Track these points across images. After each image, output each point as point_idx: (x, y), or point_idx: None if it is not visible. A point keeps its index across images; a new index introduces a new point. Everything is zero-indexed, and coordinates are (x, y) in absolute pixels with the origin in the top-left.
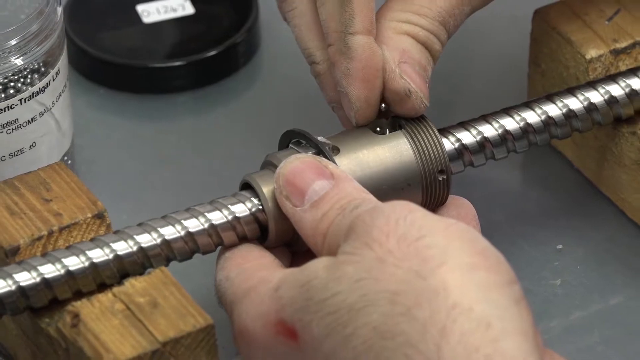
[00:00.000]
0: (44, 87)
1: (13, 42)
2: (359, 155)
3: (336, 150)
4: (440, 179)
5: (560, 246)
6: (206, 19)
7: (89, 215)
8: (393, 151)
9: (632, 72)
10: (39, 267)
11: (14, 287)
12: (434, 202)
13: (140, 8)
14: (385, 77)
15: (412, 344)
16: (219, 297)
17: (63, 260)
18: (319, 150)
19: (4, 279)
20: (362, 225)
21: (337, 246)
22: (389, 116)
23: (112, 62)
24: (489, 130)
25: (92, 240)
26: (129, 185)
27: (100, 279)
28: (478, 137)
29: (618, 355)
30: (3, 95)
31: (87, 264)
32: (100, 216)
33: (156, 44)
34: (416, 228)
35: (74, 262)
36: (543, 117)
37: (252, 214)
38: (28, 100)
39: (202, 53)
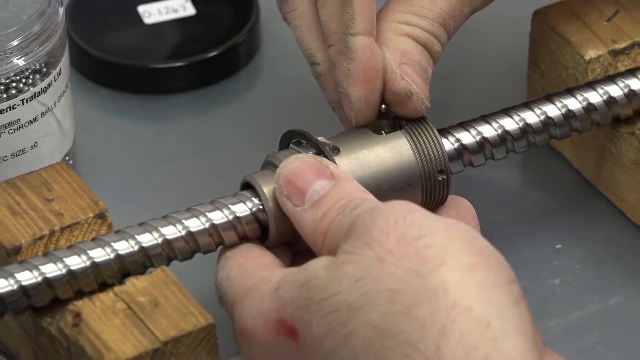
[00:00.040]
0: (45, 87)
1: (15, 42)
2: (359, 156)
3: (336, 150)
4: (440, 179)
5: (559, 246)
6: (207, 20)
7: (91, 215)
8: (393, 151)
9: (630, 72)
10: (40, 267)
11: (15, 287)
12: (433, 202)
13: (141, 9)
14: (386, 79)
15: (412, 343)
16: (219, 296)
17: (64, 259)
18: (319, 151)
19: (6, 278)
20: (362, 224)
21: (337, 246)
22: (389, 116)
23: (114, 62)
24: (488, 130)
25: (93, 239)
26: (130, 185)
27: (102, 278)
28: (477, 138)
29: (617, 355)
30: (5, 96)
31: (88, 263)
32: (101, 216)
33: (157, 44)
34: (416, 228)
35: (75, 262)
36: (542, 117)
37: (253, 214)
38: (30, 100)
39: (203, 54)
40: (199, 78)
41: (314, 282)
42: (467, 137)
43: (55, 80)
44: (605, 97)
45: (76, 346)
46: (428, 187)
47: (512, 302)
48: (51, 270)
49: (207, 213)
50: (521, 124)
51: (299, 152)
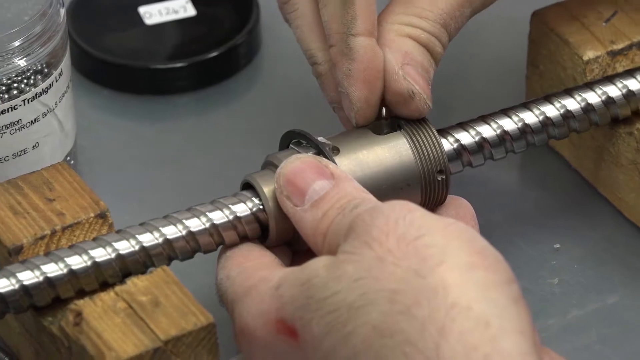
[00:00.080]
0: (47, 88)
1: (16, 43)
2: (359, 156)
3: (336, 150)
4: (439, 179)
5: (558, 245)
6: (207, 21)
7: (92, 214)
8: (392, 151)
9: (629, 73)
10: (42, 266)
11: (17, 286)
12: (433, 201)
13: (142, 10)
14: (388, 79)
15: (411, 342)
16: (220, 295)
17: (66, 259)
18: (319, 151)
19: (8, 277)
20: (362, 224)
21: (337, 245)
22: (389, 117)
23: (115, 63)
24: (487, 130)
25: (94, 239)
26: (131, 185)
27: (103, 277)
28: (477, 138)
29: (615, 354)
30: (7, 96)
31: (89, 263)
32: (102, 216)
33: (158, 45)
34: (415, 227)
35: (76, 261)
36: (541, 117)
37: (253, 214)
38: (31, 101)
39: (204, 54)
40: (199, 79)
41: (314, 281)
42: (466, 138)
43: (56, 81)
44: (603, 97)
45: (77, 345)
46: (427, 187)
47: (511, 301)
48: (52, 269)
49: (207, 213)
50: (520, 124)
51: (299, 152)
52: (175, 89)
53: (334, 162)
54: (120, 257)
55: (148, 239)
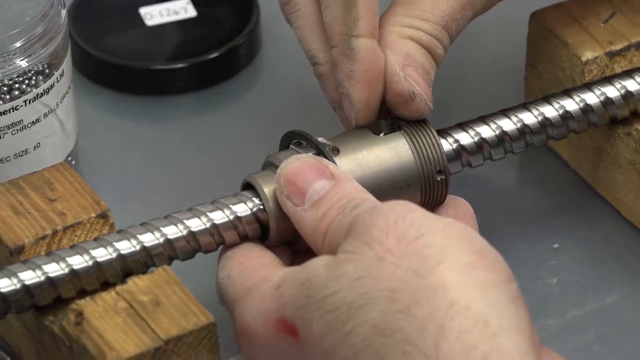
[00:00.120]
0: (48, 88)
1: (18, 44)
2: (359, 156)
3: (336, 151)
4: (439, 179)
5: (557, 245)
6: (208, 22)
7: (93, 215)
8: (392, 152)
9: (627, 74)
10: (43, 266)
11: (18, 286)
12: (432, 201)
13: (143, 11)
14: (389, 80)
15: (411, 341)
16: (220, 295)
17: (67, 259)
18: (319, 151)
19: (9, 277)
20: (362, 224)
21: (337, 245)
22: (388, 117)
23: (116, 64)
24: (486, 131)
25: (95, 239)
26: (132, 185)
27: (104, 277)
28: (476, 138)
29: (613, 354)
30: (8, 97)
31: (90, 263)
32: (103, 216)
33: (159, 46)
34: (415, 227)
35: (78, 261)
36: (540, 118)
37: (253, 214)
38: (33, 101)
39: (204, 55)
40: (200, 79)
41: (314, 280)
42: (465, 138)
43: (57, 82)
44: (602, 98)
45: (78, 345)
46: (427, 187)
47: (510, 300)
48: (54, 269)
49: (208, 213)
50: (519, 124)
51: (299, 153)
52: (176, 90)
53: (334, 162)
54: (121, 257)
55: (149, 238)
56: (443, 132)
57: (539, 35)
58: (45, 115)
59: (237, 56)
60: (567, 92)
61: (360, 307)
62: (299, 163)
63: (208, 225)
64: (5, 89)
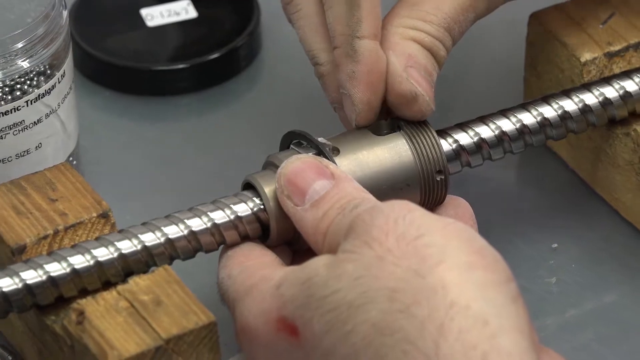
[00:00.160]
0: (49, 89)
1: (19, 45)
2: (359, 156)
3: (336, 151)
4: (438, 179)
5: (556, 245)
6: (209, 23)
7: (94, 214)
8: (392, 152)
9: (625, 74)
10: (45, 266)
11: (20, 285)
12: (432, 201)
13: (144, 12)
14: (392, 81)
15: (411, 340)
16: (221, 294)
17: (69, 258)
18: (320, 151)
19: (11, 277)
20: (362, 224)
21: (337, 244)
22: (389, 118)
23: (117, 64)
24: (485, 131)
25: (97, 239)
26: (133, 185)
27: (105, 277)
28: (475, 138)
29: (612, 353)
30: (10, 97)
31: (92, 262)
32: (105, 216)
33: (160, 47)
34: (415, 227)
35: (79, 261)
36: (539, 118)
37: (254, 213)
38: (34, 102)
39: (205, 56)
40: (200, 80)
41: (314, 280)
42: (465, 138)
43: (59, 82)
44: (600, 98)
45: (80, 344)
46: (426, 187)
47: (509, 300)
48: (55, 269)
49: (209, 213)
50: (518, 125)
51: (300, 153)
52: (177, 90)
53: (334, 162)
54: (122, 257)
55: (150, 238)
56: (443, 133)
57: (538, 36)
58: (47, 115)
59: (238, 57)
60: (566, 93)
61: (360, 306)
62: (299, 163)
63: (209, 224)
64: (7, 89)
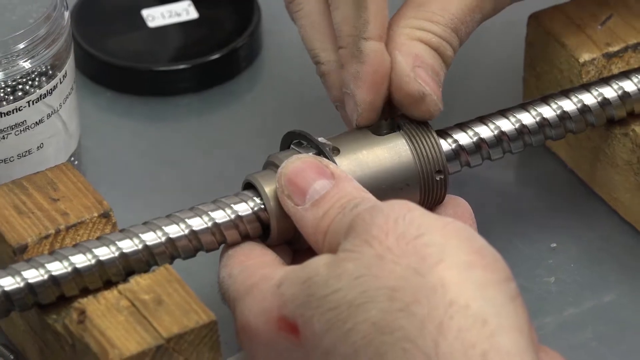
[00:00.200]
0: (51, 89)
1: (21, 45)
2: (359, 156)
3: (336, 150)
4: (438, 178)
5: (555, 244)
6: (209, 23)
7: (95, 214)
8: (392, 152)
9: (624, 75)
10: (46, 265)
11: (22, 284)
12: (431, 201)
13: (145, 13)
14: (399, 81)
15: (411, 339)
16: (222, 294)
17: (70, 258)
18: (320, 151)
19: (13, 276)
20: (362, 223)
21: (338, 244)
22: (389, 118)
23: (118, 65)
24: (485, 131)
25: (98, 238)
26: (134, 185)
27: (106, 276)
28: (474, 138)
29: (611, 352)
30: (11, 98)
31: (93, 261)
32: (106, 215)
33: (161, 47)
34: (415, 226)
35: (80, 260)
36: (538, 118)
37: (255, 213)
38: (36, 102)
39: (206, 56)
40: (201, 80)
41: (315, 279)
42: (464, 138)
43: (60, 83)
44: (599, 98)
45: (81, 343)
46: (426, 187)
47: (508, 299)
48: (57, 268)
49: (209, 212)
50: (517, 125)
51: (300, 153)
52: (178, 91)
53: (334, 162)
54: (123, 256)
55: (151, 237)
56: (442, 133)
57: (538, 37)
58: (49, 115)
59: (238, 57)
60: (565, 93)
61: (360, 305)
62: (299, 163)
63: (210, 224)
64: (8, 89)
